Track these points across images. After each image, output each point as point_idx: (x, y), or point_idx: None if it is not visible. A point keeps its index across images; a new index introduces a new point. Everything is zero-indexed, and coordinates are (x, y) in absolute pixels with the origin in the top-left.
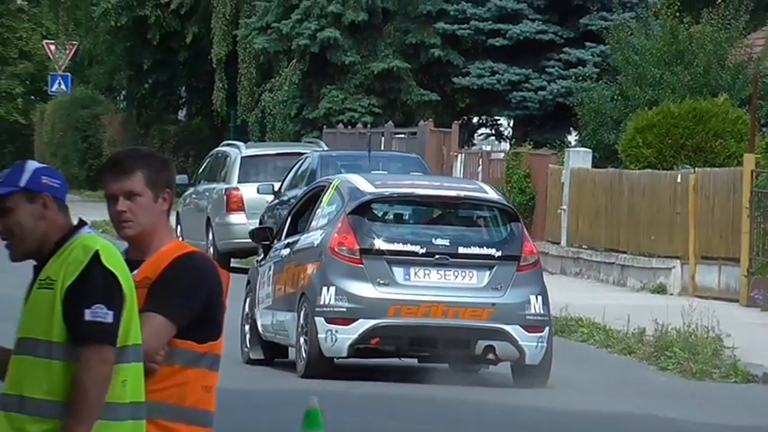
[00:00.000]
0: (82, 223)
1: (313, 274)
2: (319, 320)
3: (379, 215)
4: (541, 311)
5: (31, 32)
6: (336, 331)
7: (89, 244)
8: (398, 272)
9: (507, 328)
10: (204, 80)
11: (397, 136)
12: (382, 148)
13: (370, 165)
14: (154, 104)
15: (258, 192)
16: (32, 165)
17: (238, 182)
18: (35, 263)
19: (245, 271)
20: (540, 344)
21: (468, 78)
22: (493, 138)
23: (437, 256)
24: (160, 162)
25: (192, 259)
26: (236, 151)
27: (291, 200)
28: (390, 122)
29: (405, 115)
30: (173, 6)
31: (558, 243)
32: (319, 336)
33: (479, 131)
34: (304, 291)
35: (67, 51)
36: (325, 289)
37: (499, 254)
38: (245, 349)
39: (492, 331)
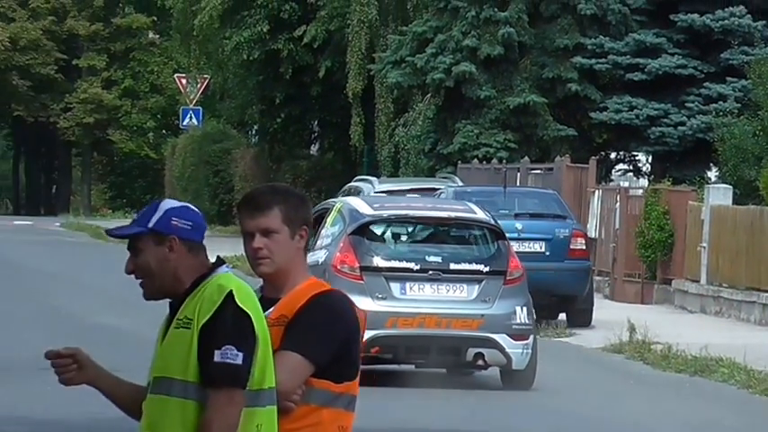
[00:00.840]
0: (220, 261)
1: None
2: None
3: (378, 235)
4: (526, 321)
5: (162, 66)
6: None
7: (224, 283)
8: (395, 287)
9: (495, 336)
10: (337, 114)
11: (533, 171)
12: (518, 183)
13: (506, 201)
14: (286, 139)
15: None
16: (166, 205)
17: None
18: (170, 300)
19: None
20: (525, 350)
21: (605, 113)
22: (631, 174)
23: (430, 272)
24: (297, 198)
25: (329, 298)
26: (369, 186)
27: None
28: (526, 158)
29: (541, 150)
30: (306, 40)
31: (698, 281)
32: None
33: (617, 167)
34: None
35: (199, 85)
36: None
37: (487, 269)
38: None
39: (481, 340)
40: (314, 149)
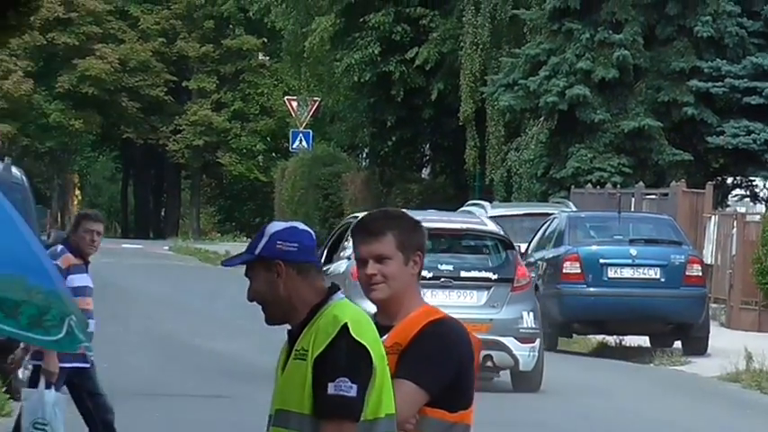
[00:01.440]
0: (335, 288)
1: None
2: None
3: None
4: (533, 325)
5: (272, 88)
6: None
7: (339, 314)
8: None
9: (503, 339)
10: (449, 138)
11: (648, 197)
12: (632, 209)
13: (620, 226)
14: (397, 162)
15: None
16: (272, 228)
17: None
18: (288, 328)
19: None
20: (531, 353)
21: (722, 138)
22: (748, 199)
23: (442, 279)
24: (411, 224)
25: (443, 325)
26: (482, 211)
27: (539, 261)
28: (641, 183)
29: (656, 175)
30: (418, 62)
31: None
32: None
33: (734, 192)
34: None
35: (309, 108)
36: None
37: (495, 277)
38: None
39: (490, 343)
40: (425, 173)
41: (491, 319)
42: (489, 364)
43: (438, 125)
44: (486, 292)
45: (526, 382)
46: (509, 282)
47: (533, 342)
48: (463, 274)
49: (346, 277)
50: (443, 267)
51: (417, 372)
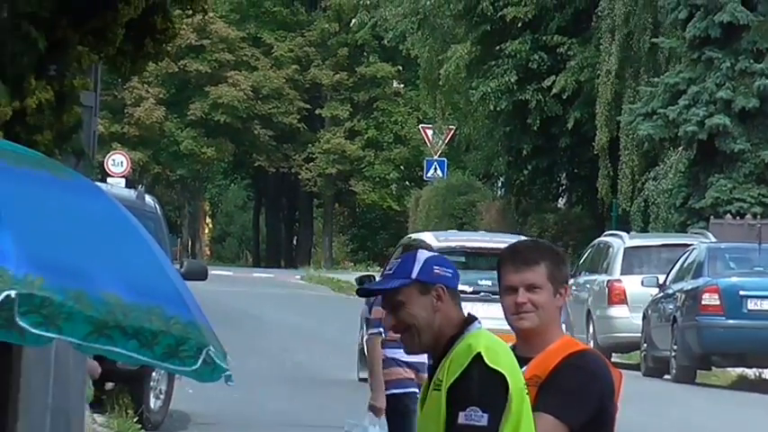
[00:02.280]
0: (471, 318)
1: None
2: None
3: None
4: (567, 333)
5: (407, 116)
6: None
7: (473, 343)
8: None
9: None
10: (585, 167)
11: None
12: None
13: (761, 257)
14: (533, 191)
15: (642, 284)
16: (423, 254)
17: (621, 273)
18: (429, 362)
19: (627, 367)
20: None
21: None
22: None
23: (482, 294)
24: (560, 256)
25: (584, 358)
26: (620, 242)
27: (677, 293)
28: None
29: None
30: (555, 90)
31: None
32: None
33: None
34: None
35: (444, 136)
36: None
37: None
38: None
39: None
40: (561, 203)
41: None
42: None
43: (574, 154)
44: None
45: None
46: None
47: None
48: None
49: None
50: (483, 283)
51: (557, 405)
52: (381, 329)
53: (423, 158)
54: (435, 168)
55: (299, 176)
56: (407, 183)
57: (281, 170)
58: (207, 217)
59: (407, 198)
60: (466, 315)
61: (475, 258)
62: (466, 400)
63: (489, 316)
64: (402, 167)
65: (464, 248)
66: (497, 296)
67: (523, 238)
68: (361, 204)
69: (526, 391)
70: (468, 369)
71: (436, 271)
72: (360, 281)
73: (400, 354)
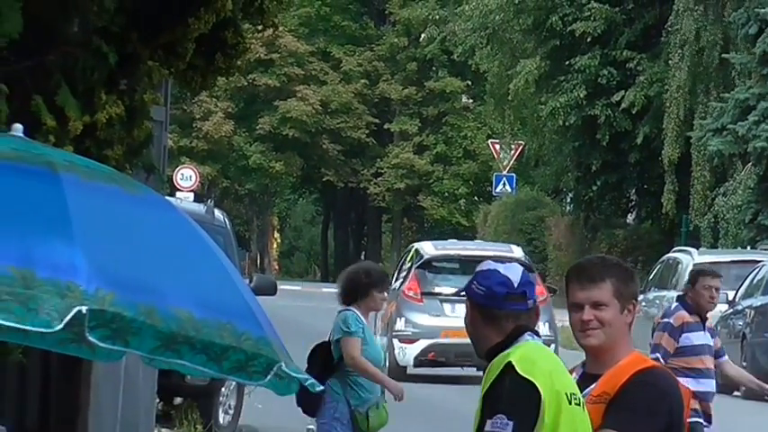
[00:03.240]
0: (519, 330)
1: (393, 310)
2: (395, 341)
3: (435, 269)
4: (548, 333)
5: (475, 131)
6: (405, 348)
7: (510, 353)
8: (447, 307)
9: None
10: (655, 183)
11: None
12: None
13: None
14: (602, 207)
15: None
16: (482, 266)
17: None
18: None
19: None
20: None
21: None
22: None
23: None
24: (627, 273)
25: (652, 375)
26: (689, 258)
27: (747, 309)
28: None
29: None
30: (624, 105)
31: None
32: (395, 351)
33: None
34: (388, 321)
35: (513, 151)
36: (399, 319)
37: None
38: None
39: None
40: (630, 218)
41: None
42: None
43: (644, 169)
44: None
45: None
46: None
47: (549, 346)
48: None
49: (398, 294)
50: None
51: (626, 423)
52: (659, 355)
53: (491, 174)
54: (504, 184)
55: (368, 191)
56: (476, 198)
57: (350, 185)
58: (275, 231)
59: (476, 213)
60: (512, 328)
61: (469, 265)
62: (494, 407)
63: None
64: (471, 182)
65: (459, 256)
66: None
67: (515, 247)
68: (429, 219)
69: (577, 401)
70: (500, 377)
71: (472, 286)
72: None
73: (686, 382)
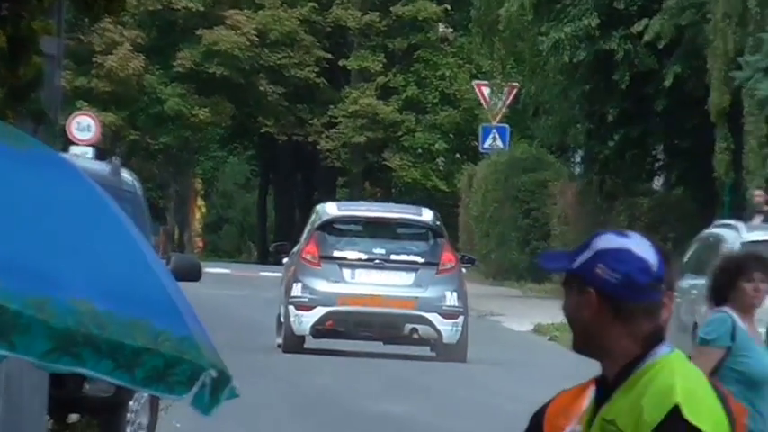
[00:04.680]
0: (657, 336)
1: (290, 275)
2: (291, 308)
3: (337, 231)
4: (456, 304)
5: (456, 70)
6: (302, 316)
7: (668, 386)
8: (347, 272)
9: (428, 315)
10: (689, 137)
11: None
12: None
13: None
14: (621, 169)
15: None
16: (600, 243)
17: None
18: (596, 377)
19: None
20: (455, 328)
21: None
22: None
23: (376, 261)
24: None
25: None
26: (735, 235)
27: None
28: None
29: None
30: (647, 38)
31: None
32: (291, 319)
33: None
34: (285, 287)
35: (505, 96)
36: (295, 284)
37: (422, 260)
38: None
39: (416, 317)
40: (657, 183)
41: (417, 297)
42: (415, 336)
43: (675, 121)
44: (413, 274)
45: (450, 353)
46: (435, 265)
47: (456, 318)
48: (393, 257)
49: (297, 257)
50: (377, 251)
51: None
52: None
53: (477, 125)
54: (494, 138)
55: (318, 147)
56: (458, 156)
57: (295, 138)
58: (199, 198)
59: (458, 176)
60: (649, 330)
61: (373, 227)
62: None
63: (383, 283)
64: (451, 136)
65: (363, 218)
66: (391, 263)
67: (425, 210)
68: (398, 183)
69: None
70: (664, 425)
71: (597, 271)
72: (276, 249)
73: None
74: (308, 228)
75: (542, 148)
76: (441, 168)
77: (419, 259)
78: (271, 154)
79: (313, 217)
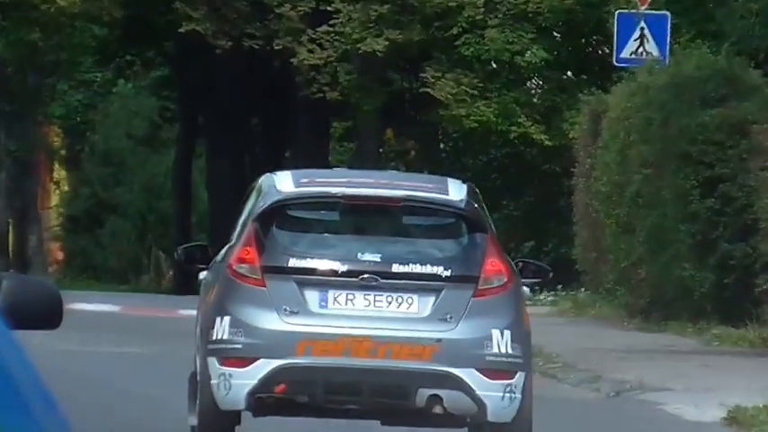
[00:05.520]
0: None
1: (211, 301)
2: (212, 361)
3: (294, 222)
4: (509, 351)
5: None
6: (231, 375)
7: None
8: (312, 296)
9: (458, 372)
10: None
11: None
12: None
13: None
14: None
15: None
16: None
17: None
18: None
19: None
20: (508, 394)
21: None
22: None
23: (364, 276)
24: None
25: None
26: None
27: None
28: None
29: None
30: None
31: None
32: (212, 382)
33: None
34: (202, 325)
35: None
36: (218, 320)
37: (448, 273)
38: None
39: (437, 376)
40: None
41: (440, 340)
42: (437, 409)
43: None
44: (433, 298)
45: None
46: (471, 281)
47: (511, 378)
48: (397, 268)
49: (221, 270)
50: (367, 258)
51: None
52: None
53: (609, 15)
54: (641, 37)
55: (293, 61)
56: (570, 77)
57: (248, 45)
58: (56, 167)
59: (570, 118)
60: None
61: (359, 216)
62: None
63: (378, 314)
64: (556, 36)
65: (339, 198)
66: (390, 280)
67: (453, 182)
68: (450, 131)
69: None
70: None
71: None
72: (186, 256)
73: None
74: (242, 216)
75: (740, 58)
76: (536, 102)
77: (443, 272)
78: (200, 77)
79: (253, 198)
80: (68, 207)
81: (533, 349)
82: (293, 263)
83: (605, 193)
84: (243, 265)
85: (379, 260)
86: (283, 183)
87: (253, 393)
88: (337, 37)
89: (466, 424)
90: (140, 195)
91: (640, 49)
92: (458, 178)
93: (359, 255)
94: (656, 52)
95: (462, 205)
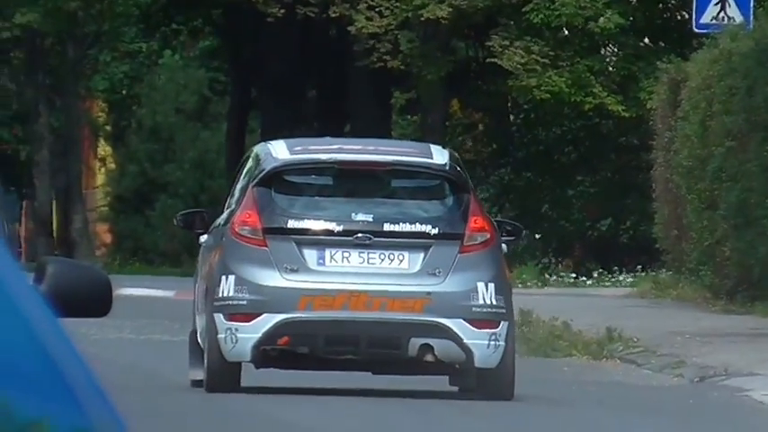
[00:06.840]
0: None
1: (214, 263)
2: (218, 317)
3: (291, 187)
4: (493, 302)
5: None
6: (237, 330)
7: None
8: (310, 255)
9: (447, 322)
10: None
11: None
12: None
13: None
14: None
15: None
16: None
17: None
18: None
19: None
20: (493, 342)
21: None
22: None
23: (358, 235)
24: None
25: None
26: None
27: None
28: None
29: None
30: None
31: None
32: (219, 336)
33: None
34: (204, 285)
35: None
36: (223, 279)
37: (436, 231)
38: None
39: (428, 326)
40: None
41: (429, 293)
42: (428, 358)
43: None
44: (422, 254)
45: (488, 384)
46: (457, 238)
47: (495, 326)
48: (388, 227)
49: (224, 233)
50: (360, 218)
51: None
52: None
53: None
54: (724, 1)
55: (351, 30)
56: (647, 44)
57: (303, 13)
58: (100, 143)
59: (647, 87)
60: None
61: (351, 180)
62: None
63: (372, 270)
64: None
65: (333, 164)
66: (382, 239)
67: (436, 148)
68: (521, 101)
69: None
70: None
71: None
72: (185, 221)
73: None
74: (240, 182)
75: None
76: (612, 71)
77: (431, 230)
78: (251, 47)
79: (249, 164)
80: (116, 186)
81: (612, 333)
82: (292, 224)
83: (686, 167)
84: (245, 228)
85: (371, 220)
86: (278, 150)
87: (257, 346)
88: (398, 4)
89: (450, 372)
90: (191, 173)
91: (721, 14)
92: (520, 153)
93: (352, 216)
94: (738, 17)
95: (446, 168)
